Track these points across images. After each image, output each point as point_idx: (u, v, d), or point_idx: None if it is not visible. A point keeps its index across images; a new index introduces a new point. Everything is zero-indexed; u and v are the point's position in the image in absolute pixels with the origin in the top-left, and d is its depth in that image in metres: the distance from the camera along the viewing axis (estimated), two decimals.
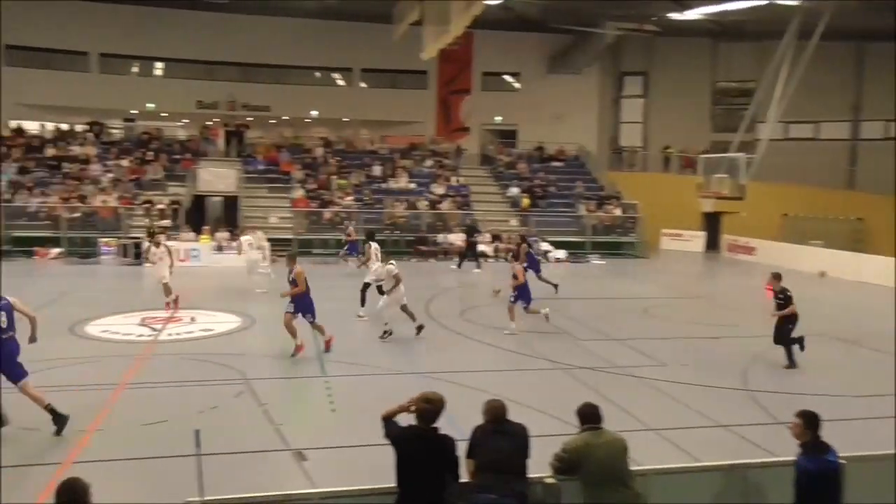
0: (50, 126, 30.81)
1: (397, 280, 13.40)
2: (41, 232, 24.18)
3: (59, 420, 8.30)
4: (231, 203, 28.17)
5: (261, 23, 31.50)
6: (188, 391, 10.13)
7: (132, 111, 33.81)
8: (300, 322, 11.95)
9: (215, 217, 28.26)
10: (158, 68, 33.67)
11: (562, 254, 26.45)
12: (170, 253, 16.30)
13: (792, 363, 11.80)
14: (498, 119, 35.85)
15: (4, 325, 8.06)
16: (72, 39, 31.13)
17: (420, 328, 13.53)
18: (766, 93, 26.86)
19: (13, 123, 30.29)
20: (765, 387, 10.86)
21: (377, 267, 15.20)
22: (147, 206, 25.57)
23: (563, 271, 22.91)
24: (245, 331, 14.19)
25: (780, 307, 11.90)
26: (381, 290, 14.31)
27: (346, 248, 22.85)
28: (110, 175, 27.12)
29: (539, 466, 5.34)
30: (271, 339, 13.24)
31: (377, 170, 30.87)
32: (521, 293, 14.09)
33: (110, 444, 8.11)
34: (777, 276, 12.17)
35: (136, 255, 22.82)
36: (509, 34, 32.92)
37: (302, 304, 11.96)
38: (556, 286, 18.18)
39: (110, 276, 20.91)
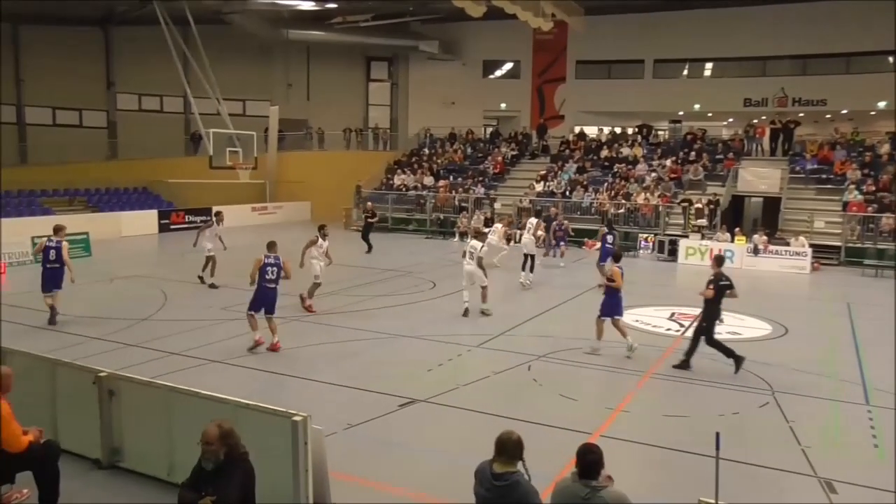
0: (606, 130, 34.03)
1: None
2: (590, 225, 27.02)
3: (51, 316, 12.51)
4: (772, 205, 26.73)
5: (820, 9, 28.97)
6: (710, 392, 9.98)
7: (679, 113, 34.99)
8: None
9: (753, 218, 27.24)
10: (707, 69, 34.02)
11: None
12: (326, 254, 14.70)
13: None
14: None
15: (53, 259, 12.61)
16: (630, 50, 33.80)
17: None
18: None
19: (577, 129, 34.54)
20: None
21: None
22: (685, 205, 26.17)
23: None
24: (776, 340, 13.30)
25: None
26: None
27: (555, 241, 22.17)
28: (654, 175, 28.60)
29: None
30: (806, 352, 12.16)
31: None
32: (609, 301, 11.47)
33: (632, 426, 8.56)
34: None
35: (670, 251, 23.61)
36: None
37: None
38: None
39: (646, 270, 22.05)
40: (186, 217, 29.14)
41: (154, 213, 29.11)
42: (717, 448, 4.92)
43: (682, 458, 7.68)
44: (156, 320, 13.11)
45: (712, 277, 10.79)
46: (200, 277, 16.92)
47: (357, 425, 8.22)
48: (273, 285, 11.12)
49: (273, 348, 11.20)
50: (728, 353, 10.63)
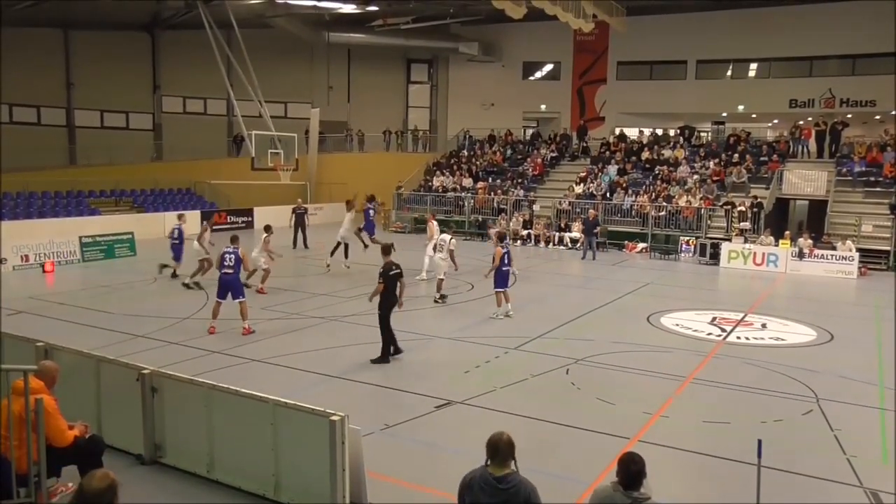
0: (647, 132, 33.61)
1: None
2: (631, 227, 26.74)
3: None
4: (818, 208, 26.10)
5: (869, 7, 28.23)
6: (752, 398, 9.78)
7: (722, 114, 34.40)
8: None
9: (798, 222, 26.61)
10: (752, 69, 33.39)
11: None
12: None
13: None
14: None
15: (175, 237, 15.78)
16: (673, 50, 33.35)
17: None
18: None
19: (617, 130, 34.21)
20: None
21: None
22: (727, 207, 25.70)
23: None
24: (820, 346, 12.97)
25: None
26: None
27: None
28: (696, 177, 28.15)
29: None
30: (852, 359, 11.84)
31: None
32: (497, 277, 14.04)
33: (672, 431, 8.43)
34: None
35: (712, 254, 23.20)
36: None
37: None
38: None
39: (687, 273, 21.72)
40: (228, 217, 29.60)
41: (197, 213, 29.63)
42: (759, 455, 4.84)
43: (722, 465, 7.53)
44: (198, 319, 13.34)
45: (382, 269, 10.93)
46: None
47: (394, 426, 8.26)
48: (230, 272, 12.25)
49: (245, 332, 12.25)
50: (391, 342, 11.01)
